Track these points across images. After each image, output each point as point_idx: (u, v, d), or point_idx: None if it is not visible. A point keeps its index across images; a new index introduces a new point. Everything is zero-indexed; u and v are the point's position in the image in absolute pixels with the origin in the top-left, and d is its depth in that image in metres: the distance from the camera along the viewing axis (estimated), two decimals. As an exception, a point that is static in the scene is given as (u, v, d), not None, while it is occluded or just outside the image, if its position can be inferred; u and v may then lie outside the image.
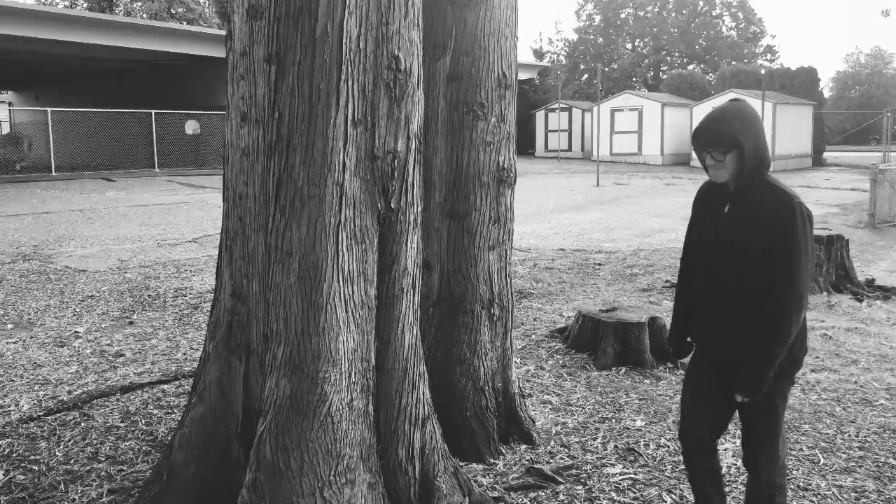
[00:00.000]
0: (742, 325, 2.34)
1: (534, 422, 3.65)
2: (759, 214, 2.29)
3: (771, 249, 2.25)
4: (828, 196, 16.56)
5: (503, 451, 3.40)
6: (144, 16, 36.94)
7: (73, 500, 2.97)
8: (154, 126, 22.26)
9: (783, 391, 2.40)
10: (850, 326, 5.65)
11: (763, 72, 29.37)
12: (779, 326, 2.24)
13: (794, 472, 3.23)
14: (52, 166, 20.93)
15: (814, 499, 3.02)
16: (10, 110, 32.54)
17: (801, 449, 3.47)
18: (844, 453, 3.44)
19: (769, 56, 48.86)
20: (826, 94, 38.49)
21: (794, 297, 2.22)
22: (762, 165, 2.33)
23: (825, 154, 29.23)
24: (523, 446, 3.46)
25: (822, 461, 3.35)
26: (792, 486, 3.11)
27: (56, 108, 21.92)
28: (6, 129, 33.02)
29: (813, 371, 4.58)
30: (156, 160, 22.49)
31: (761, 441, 2.44)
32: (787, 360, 2.32)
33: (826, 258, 6.97)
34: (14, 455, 3.39)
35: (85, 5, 39.24)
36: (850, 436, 3.63)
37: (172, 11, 38.48)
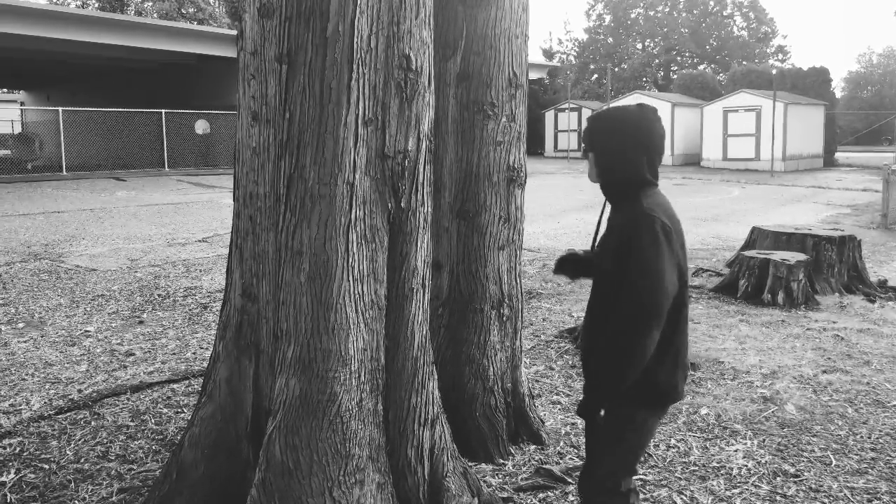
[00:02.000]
0: (594, 340, 2.15)
1: (543, 422, 3.63)
2: (615, 234, 2.08)
3: (622, 271, 2.02)
4: (839, 196, 16.45)
5: (512, 451, 3.39)
6: (155, 15, 37.13)
7: (84, 498, 2.98)
8: (164, 126, 22.38)
9: (632, 418, 2.13)
10: (862, 327, 5.60)
11: (774, 72, 29.20)
12: (615, 346, 1.99)
13: (805, 474, 3.21)
14: (63, 166, 21.07)
15: (826, 500, 2.99)
16: (21, 110, 32.78)
17: (812, 450, 3.45)
18: (857, 455, 3.41)
19: (780, 56, 48.59)
20: (838, 94, 38.22)
21: (635, 317, 1.96)
22: (627, 183, 2.10)
23: (837, 154, 29.04)
24: (532, 447, 3.45)
25: (834, 462, 3.33)
26: (804, 489, 3.09)
27: (67, 108, 22.07)
28: (18, 129, 33.27)
29: (825, 372, 4.55)
30: (166, 160, 22.61)
31: (595, 464, 2.22)
32: (643, 386, 2.06)
33: (838, 259, 6.92)
34: (25, 454, 3.41)
35: (96, 5, 39.49)
36: (862, 437, 3.59)
37: (183, 11, 38.66)
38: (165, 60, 24.65)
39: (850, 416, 3.87)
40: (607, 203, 2.23)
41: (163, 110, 22.37)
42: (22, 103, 39.47)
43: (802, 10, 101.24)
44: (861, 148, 36.05)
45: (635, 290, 1.97)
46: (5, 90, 47.14)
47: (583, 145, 2.20)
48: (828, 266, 6.90)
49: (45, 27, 18.49)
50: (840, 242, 6.94)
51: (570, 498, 3.01)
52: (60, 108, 21.52)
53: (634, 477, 3.16)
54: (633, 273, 1.98)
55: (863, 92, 50.92)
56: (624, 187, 2.11)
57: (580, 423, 3.77)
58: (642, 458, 3.36)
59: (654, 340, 1.98)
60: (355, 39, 2.31)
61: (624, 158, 2.09)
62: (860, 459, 3.36)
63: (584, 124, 2.19)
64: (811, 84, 28.52)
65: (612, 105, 24.44)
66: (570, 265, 2.49)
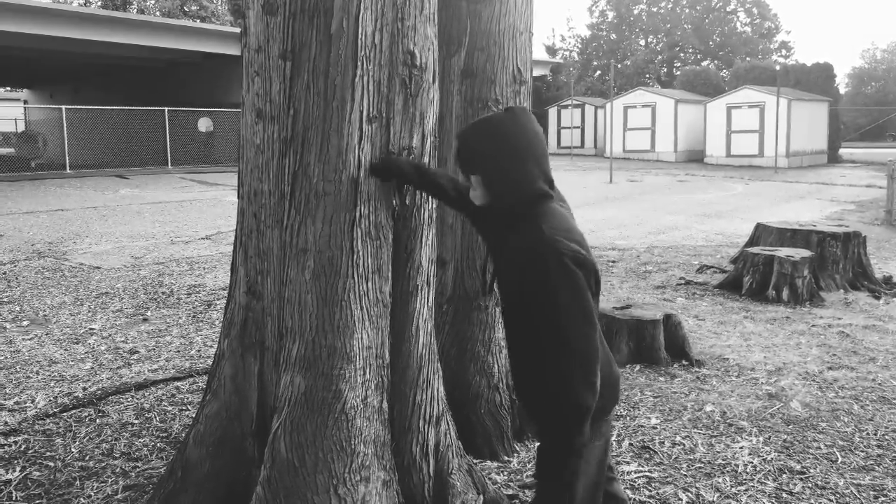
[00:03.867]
0: (522, 377, 1.97)
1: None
2: (516, 265, 1.85)
3: (529, 306, 1.80)
4: (844, 193, 16.40)
5: (517, 448, 3.39)
6: (158, 14, 37.13)
7: (89, 496, 2.99)
8: (167, 124, 22.38)
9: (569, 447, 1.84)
10: (867, 324, 5.59)
11: (778, 68, 29.13)
12: (565, 404, 1.76)
13: (811, 471, 3.20)
14: (67, 164, 21.11)
15: (832, 497, 2.99)
16: (25, 108, 32.85)
17: (818, 447, 3.44)
18: (863, 451, 3.40)
19: (784, 52, 48.44)
20: (842, 90, 38.08)
21: (573, 368, 1.75)
22: (523, 201, 1.85)
23: (841, 151, 28.97)
24: (538, 444, 3.44)
25: (840, 459, 3.32)
26: (810, 486, 3.08)
27: (70, 106, 22.10)
28: (21, 127, 33.33)
29: (830, 369, 4.54)
30: (169, 158, 22.62)
31: None
32: (566, 409, 1.80)
33: (843, 255, 6.90)
34: (30, 451, 3.41)
35: (99, 3, 39.49)
36: (868, 434, 3.58)
37: (185, 9, 38.66)
38: (168, 58, 24.65)
39: (856, 412, 3.86)
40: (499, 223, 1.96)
41: (166, 108, 22.38)
42: (25, 101, 39.51)
43: (806, 5, 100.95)
44: (865, 144, 35.94)
45: (565, 341, 1.75)
46: (9, 88, 47.20)
47: (459, 169, 1.95)
48: (832, 262, 6.88)
49: (48, 25, 18.50)
50: (845, 239, 6.92)
51: (576, 495, 3.01)
52: (64, 107, 21.55)
53: (640, 474, 3.15)
54: (553, 323, 1.75)
55: (867, 88, 50.75)
56: (520, 206, 1.86)
57: (585, 420, 3.76)
58: (653, 453, 3.36)
59: (598, 377, 1.78)
60: (359, 36, 2.30)
61: (516, 174, 1.83)
62: (866, 456, 3.35)
63: (455, 147, 1.94)
64: (815, 80, 28.45)
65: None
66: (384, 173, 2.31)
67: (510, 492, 3.00)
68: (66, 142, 21.09)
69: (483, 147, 1.87)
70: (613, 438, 3.54)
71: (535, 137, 1.87)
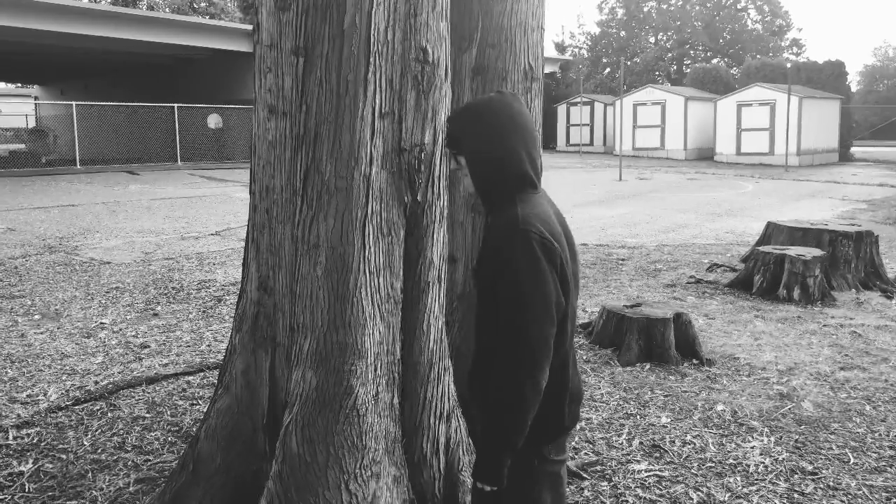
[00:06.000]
0: (475, 380, 1.90)
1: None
2: (487, 247, 1.81)
3: (493, 288, 1.75)
4: (855, 191, 16.29)
5: (527, 446, 3.38)
6: (168, 10, 37.23)
7: (101, 488, 3.00)
8: (177, 120, 22.46)
9: (518, 466, 1.80)
10: (879, 324, 5.55)
11: (789, 65, 28.95)
12: (503, 394, 1.71)
13: (823, 472, 3.18)
14: (77, 159, 21.22)
15: (844, 498, 2.97)
16: (35, 104, 33.02)
17: (830, 448, 3.42)
18: (875, 452, 3.38)
19: (795, 49, 48.11)
20: (854, 88, 37.80)
21: (519, 356, 1.69)
22: (508, 183, 1.81)
23: (853, 149, 28.77)
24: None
25: (852, 460, 3.30)
26: (822, 486, 3.06)
27: (81, 102, 22.19)
28: (32, 123, 33.53)
29: (842, 369, 4.51)
30: (178, 154, 22.70)
31: None
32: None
33: (855, 255, 6.86)
34: (43, 444, 3.44)
35: (109, 0, 39.65)
36: (880, 435, 3.56)
37: (195, 6, 38.75)
38: (178, 55, 24.72)
39: (869, 413, 3.83)
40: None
41: (175, 105, 22.45)
42: (36, 98, 39.75)
43: (818, 2, 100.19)
44: (877, 142, 35.67)
45: (515, 324, 1.69)
46: (20, 85, 47.49)
47: (448, 152, 1.90)
48: (844, 262, 6.84)
49: (59, 21, 18.59)
50: (857, 238, 6.87)
51: (586, 493, 3.00)
52: (74, 103, 21.65)
53: (651, 473, 3.14)
54: (510, 303, 1.70)
55: (879, 86, 50.35)
56: (505, 187, 1.82)
57: (594, 418, 3.76)
58: (664, 452, 3.34)
59: (546, 375, 1.71)
60: (372, 32, 2.30)
61: (501, 151, 1.81)
62: (879, 457, 3.33)
63: (445, 128, 1.90)
64: (826, 78, 28.25)
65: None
66: None
67: (520, 489, 2.99)
68: (76, 138, 21.20)
69: (470, 126, 1.87)
70: (623, 437, 3.53)
71: (522, 119, 1.85)
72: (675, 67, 48.37)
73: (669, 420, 3.73)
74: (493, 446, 1.74)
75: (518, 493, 1.85)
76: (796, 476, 3.15)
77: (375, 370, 2.39)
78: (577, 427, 3.63)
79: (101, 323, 5.55)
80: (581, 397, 1.96)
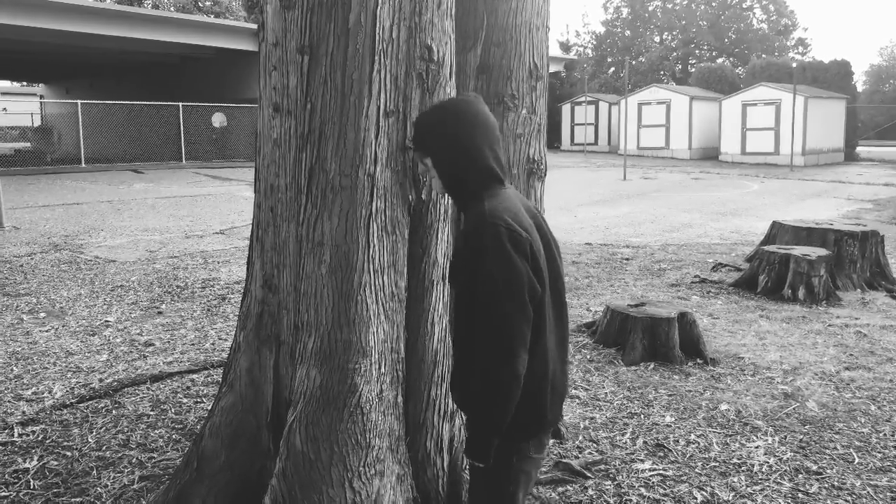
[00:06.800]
0: (454, 373, 1.95)
1: (562, 416, 3.61)
2: (460, 243, 1.86)
3: (465, 283, 1.79)
4: (861, 191, 16.24)
5: (531, 445, 3.38)
6: (172, 9, 37.29)
7: (106, 485, 3.01)
8: (182, 119, 22.51)
9: (496, 460, 1.84)
10: (884, 324, 5.53)
11: (794, 65, 28.84)
12: (482, 382, 1.76)
13: (828, 472, 3.17)
14: (82, 158, 21.28)
15: (849, 498, 2.96)
16: (41, 103, 33.12)
17: (835, 448, 3.41)
18: (880, 452, 3.37)
19: (801, 49, 47.94)
20: (859, 87, 37.63)
21: (492, 344, 1.74)
22: (476, 181, 1.86)
23: (858, 149, 28.67)
24: (551, 441, 3.44)
25: (856, 460, 3.29)
26: (826, 486, 3.06)
27: (86, 101, 22.26)
28: (38, 122, 33.62)
29: (847, 369, 4.50)
30: (183, 153, 22.75)
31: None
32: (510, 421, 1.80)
33: (860, 255, 6.83)
34: (48, 441, 3.45)
35: (115, -1, 39.72)
36: (885, 435, 3.55)
37: (199, 4, 38.81)
38: (183, 54, 24.77)
39: (873, 413, 3.82)
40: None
41: (180, 103, 22.50)
42: (41, 96, 39.87)
43: (823, 2, 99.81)
44: (883, 142, 35.54)
45: (487, 314, 1.74)
46: (25, 83, 47.63)
47: (414, 154, 1.97)
48: (850, 262, 6.82)
49: (64, 20, 18.64)
50: (862, 238, 6.85)
51: (590, 492, 3.00)
52: (79, 101, 21.71)
53: (654, 472, 3.14)
54: (483, 294, 1.74)
55: (884, 85, 50.14)
56: (472, 184, 1.87)
57: (598, 417, 3.75)
58: (668, 451, 3.34)
59: (523, 362, 1.75)
60: (377, 30, 2.30)
61: (468, 149, 1.85)
62: (883, 457, 3.32)
63: (411, 132, 1.95)
64: (832, 77, 28.14)
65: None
66: None
67: (523, 488, 2.99)
68: (81, 136, 21.26)
69: (435, 126, 1.92)
70: (627, 436, 3.53)
71: (484, 119, 1.90)
72: (679, 67, 48.26)
73: (673, 419, 3.73)
74: (480, 430, 1.80)
75: (493, 488, 1.90)
76: (801, 476, 3.14)
77: (379, 368, 2.39)
78: (578, 429, 3.63)
79: (106, 321, 5.57)
80: (565, 394, 1.97)
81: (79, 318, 5.65)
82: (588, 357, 4.71)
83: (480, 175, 1.86)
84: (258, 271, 2.63)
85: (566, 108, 32.29)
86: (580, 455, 3.32)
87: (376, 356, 2.38)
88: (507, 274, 1.72)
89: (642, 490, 3.01)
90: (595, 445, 3.42)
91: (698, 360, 4.61)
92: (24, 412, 3.79)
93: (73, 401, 3.94)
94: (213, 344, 5.01)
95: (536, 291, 1.78)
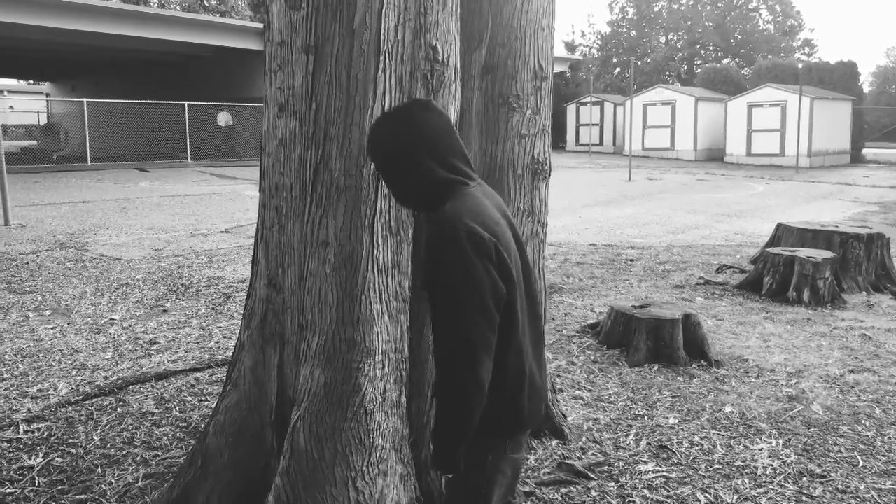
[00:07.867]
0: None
1: (565, 417, 3.62)
2: (423, 247, 1.84)
3: (432, 290, 1.74)
4: (867, 193, 16.18)
5: (534, 445, 3.38)
6: (178, 8, 37.37)
7: (110, 483, 3.03)
8: (187, 117, 22.55)
9: (472, 459, 1.82)
10: (890, 327, 5.51)
11: (800, 66, 28.77)
12: (445, 388, 1.72)
13: (832, 475, 3.17)
14: (88, 156, 21.34)
15: (853, 502, 2.95)
16: (47, 101, 33.25)
17: (839, 451, 3.40)
18: (884, 456, 3.36)
19: (807, 50, 47.79)
20: (866, 89, 37.50)
21: (454, 351, 1.69)
22: (430, 193, 1.78)
23: (864, 151, 28.56)
24: (555, 441, 3.44)
25: (861, 464, 3.28)
26: (830, 489, 3.05)
27: (92, 100, 22.33)
28: (44, 120, 33.75)
29: (852, 372, 4.48)
30: (188, 151, 22.79)
31: None
32: (486, 421, 1.77)
33: (865, 257, 6.81)
34: (53, 438, 3.46)
35: (121, -2, 39.81)
36: (890, 438, 3.54)
37: (205, 3, 38.88)
38: (189, 53, 24.82)
39: (878, 416, 3.81)
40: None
41: (185, 102, 22.54)
42: (48, 95, 40.00)
43: (830, 3, 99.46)
44: (889, 144, 35.39)
45: (450, 321, 1.69)
46: (31, 82, 47.81)
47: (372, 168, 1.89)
48: (855, 264, 6.79)
49: (71, 19, 18.69)
50: (868, 240, 6.83)
51: (593, 493, 3.00)
52: (85, 100, 21.78)
53: (658, 474, 3.14)
54: (444, 301, 1.70)
55: (891, 87, 49.94)
56: (429, 197, 1.79)
57: (602, 418, 3.75)
58: (671, 453, 3.33)
59: (487, 369, 1.71)
60: (382, 30, 2.30)
61: (419, 168, 1.76)
62: (888, 461, 3.31)
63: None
64: (838, 78, 28.04)
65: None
66: None
67: (527, 489, 3.00)
68: (87, 135, 21.32)
69: (377, 144, 1.82)
70: (630, 438, 3.52)
71: (429, 129, 1.78)
72: (685, 67, 48.16)
73: (677, 421, 3.72)
74: (444, 438, 1.74)
75: (469, 487, 1.88)
76: (805, 479, 3.13)
77: (383, 368, 2.40)
78: (581, 430, 3.62)
79: (111, 319, 5.59)
80: (544, 396, 1.94)
81: (84, 315, 5.67)
82: (592, 358, 4.70)
83: (433, 188, 1.78)
84: (263, 270, 2.64)
85: (571, 109, 32.25)
86: (583, 456, 3.31)
87: (380, 356, 2.38)
88: (467, 280, 1.67)
89: (645, 492, 3.01)
90: (598, 447, 3.42)
91: (702, 362, 4.60)
92: (29, 409, 3.81)
93: (78, 398, 3.95)
94: (217, 342, 5.02)
95: (502, 294, 1.72)
